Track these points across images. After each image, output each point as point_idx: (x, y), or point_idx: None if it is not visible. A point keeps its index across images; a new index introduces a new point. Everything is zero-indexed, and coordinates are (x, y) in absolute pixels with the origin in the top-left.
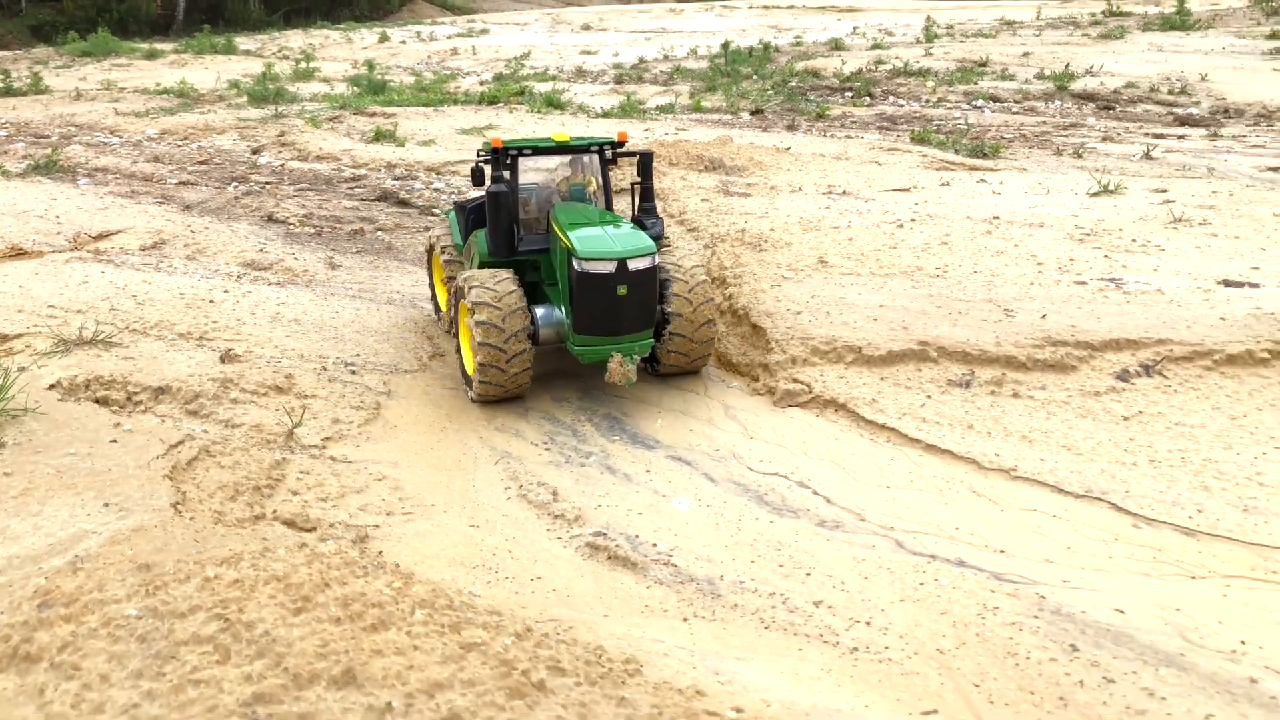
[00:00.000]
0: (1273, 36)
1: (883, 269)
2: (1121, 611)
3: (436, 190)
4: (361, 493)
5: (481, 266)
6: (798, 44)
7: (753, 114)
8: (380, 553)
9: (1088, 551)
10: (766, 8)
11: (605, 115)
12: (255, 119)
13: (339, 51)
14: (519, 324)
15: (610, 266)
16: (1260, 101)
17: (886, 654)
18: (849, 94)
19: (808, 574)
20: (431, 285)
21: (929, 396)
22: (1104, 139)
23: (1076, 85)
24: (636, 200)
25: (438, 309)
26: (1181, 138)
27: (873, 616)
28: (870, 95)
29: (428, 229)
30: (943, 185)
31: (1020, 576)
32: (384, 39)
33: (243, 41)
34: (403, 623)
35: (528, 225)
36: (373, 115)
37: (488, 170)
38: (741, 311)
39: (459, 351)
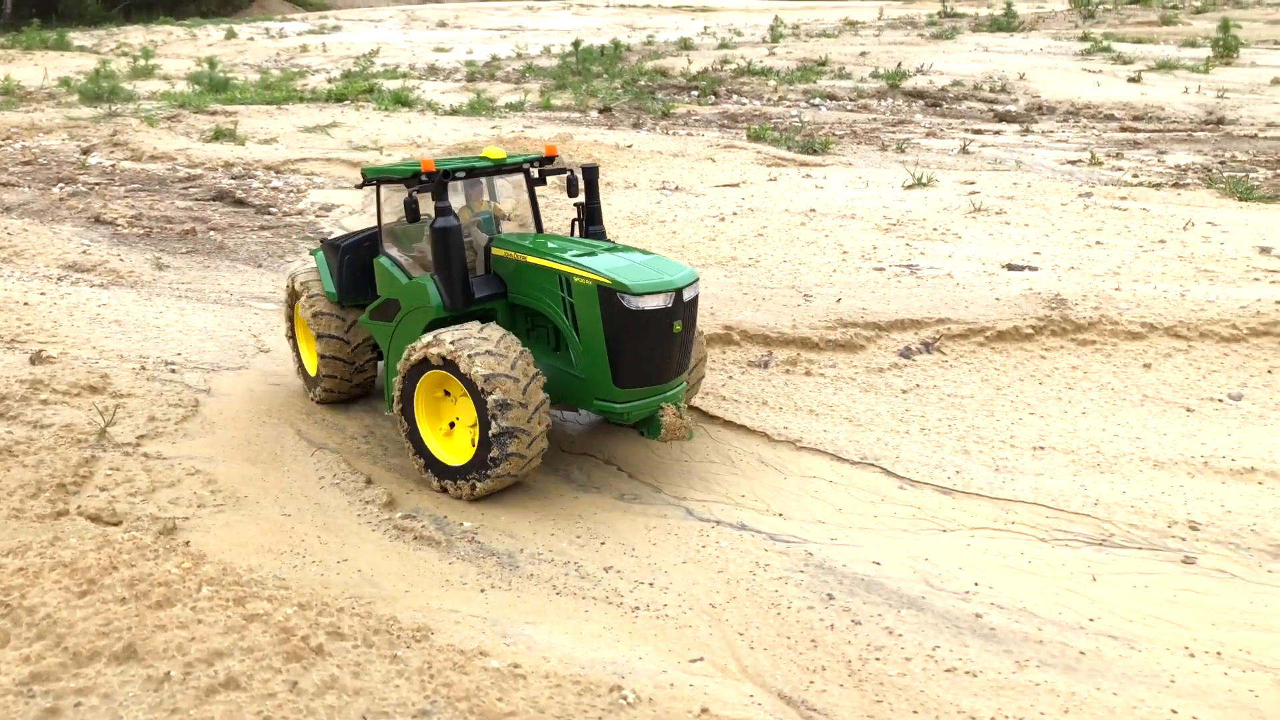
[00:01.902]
0: (1085, 39)
1: (700, 260)
2: (877, 563)
3: (274, 189)
4: (173, 487)
5: (433, 324)
6: (649, 43)
7: (601, 112)
8: (187, 542)
9: (856, 512)
10: (623, 6)
11: (454, 113)
12: (87, 118)
13: (182, 48)
14: (540, 395)
15: (666, 300)
16: (1070, 99)
17: (664, 611)
18: (695, 93)
19: (602, 543)
20: (294, 342)
21: (730, 376)
22: (928, 135)
23: (907, 84)
24: (580, 223)
25: (306, 375)
26: (997, 133)
27: (656, 578)
28: (715, 94)
29: (293, 275)
30: (770, 180)
31: (793, 536)
32: (231, 35)
33: (78, 37)
34: (188, 599)
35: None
36: (214, 114)
37: (424, 202)
38: None
39: (412, 438)
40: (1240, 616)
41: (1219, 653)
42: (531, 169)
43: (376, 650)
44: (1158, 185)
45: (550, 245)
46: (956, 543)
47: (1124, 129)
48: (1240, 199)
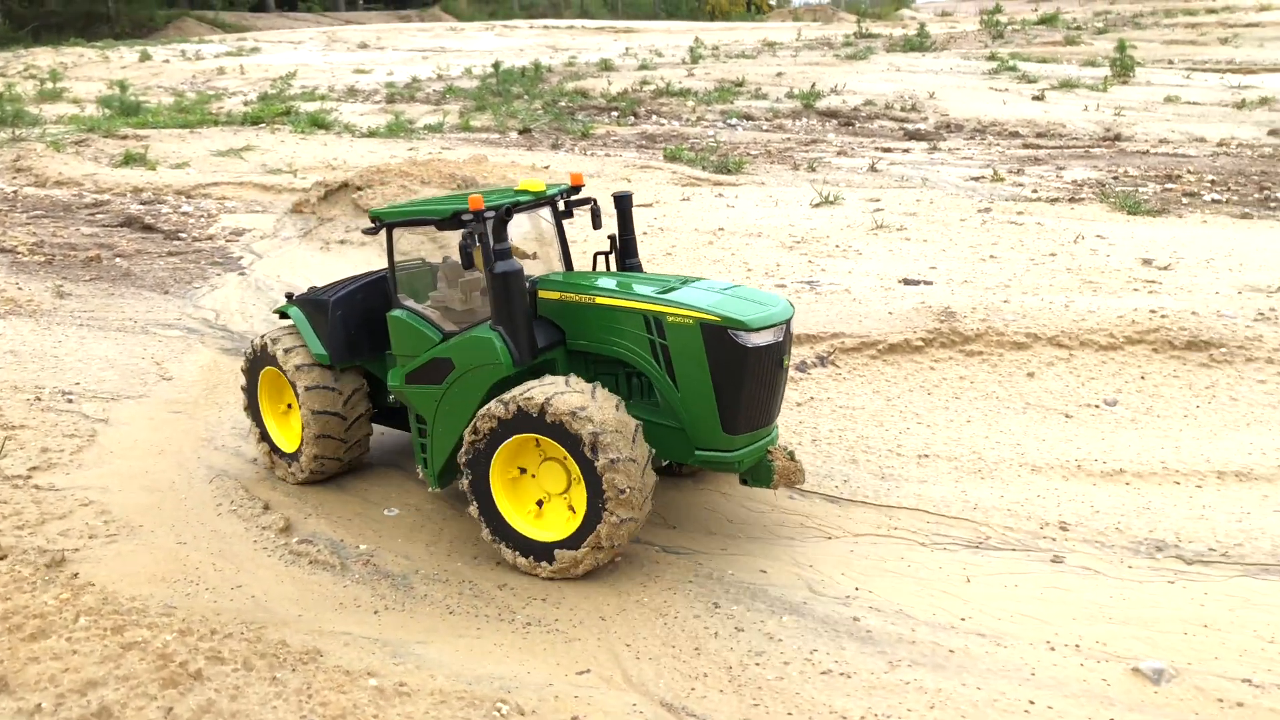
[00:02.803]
0: (992, 59)
1: None
2: (764, 571)
3: (184, 214)
4: (64, 518)
5: (503, 382)
6: (570, 65)
7: (521, 133)
8: (75, 574)
9: (747, 522)
10: (546, 28)
11: (371, 135)
12: None
13: (94, 71)
14: (646, 448)
15: (777, 334)
16: (977, 117)
17: (555, 625)
18: (615, 113)
19: (497, 562)
20: (256, 414)
21: None
22: (839, 154)
23: (822, 104)
24: (607, 257)
25: (277, 452)
26: (906, 151)
27: (549, 594)
28: (635, 114)
29: (265, 339)
30: (684, 200)
31: (684, 548)
32: (145, 58)
33: None
34: (64, 630)
35: (462, 317)
36: (124, 138)
37: (477, 246)
38: None
39: (488, 516)
40: (1099, 611)
41: (1077, 645)
42: (559, 201)
43: (257, 673)
44: (1054, 200)
45: (614, 283)
46: (841, 549)
47: (1027, 146)
48: (1129, 213)
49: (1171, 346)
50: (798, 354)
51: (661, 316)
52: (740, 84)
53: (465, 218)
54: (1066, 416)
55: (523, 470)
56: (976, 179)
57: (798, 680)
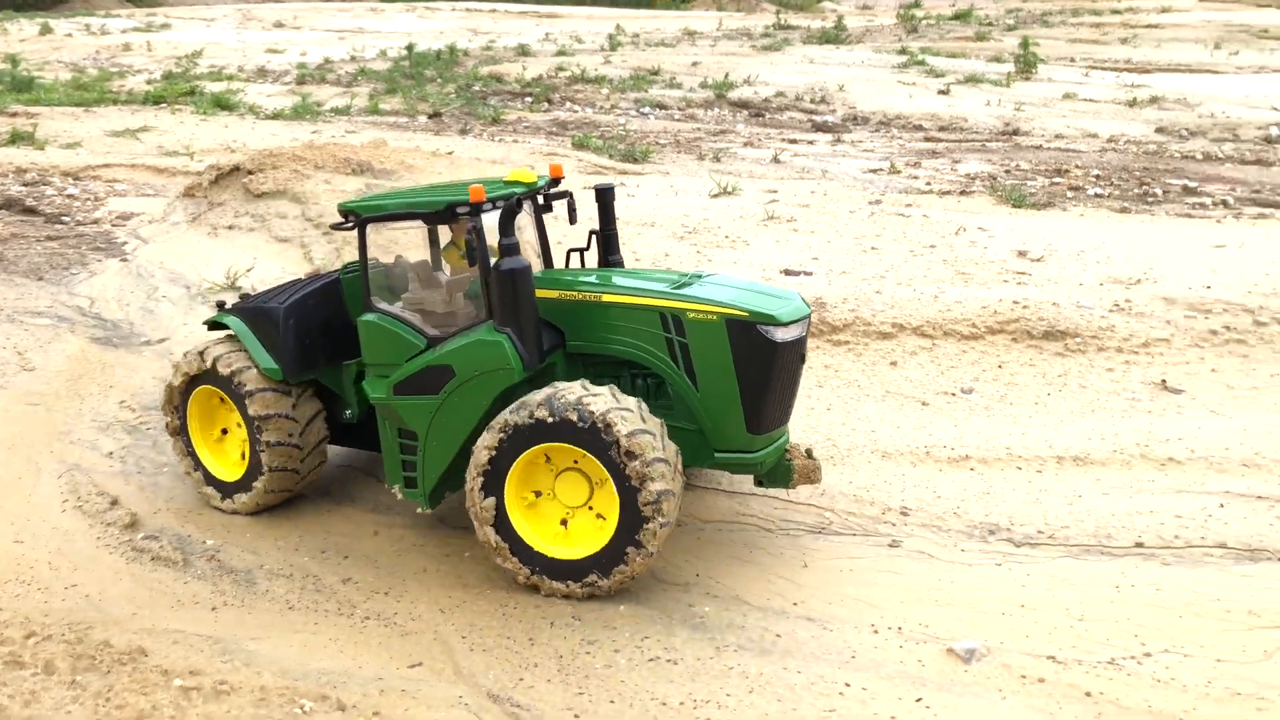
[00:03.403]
0: (902, 53)
1: None
2: None
3: (70, 197)
4: None
5: (515, 387)
6: (488, 49)
7: (431, 117)
8: None
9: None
10: (469, 10)
11: (275, 117)
12: None
13: None
14: (675, 449)
15: (802, 329)
16: (883, 110)
17: (394, 619)
18: (529, 99)
19: (345, 556)
20: (185, 441)
21: None
22: (746, 144)
23: (734, 94)
24: (598, 252)
25: (216, 482)
26: (811, 143)
27: (393, 587)
28: (549, 101)
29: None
30: (585, 189)
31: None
32: (46, 30)
33: None
34: None
35: (444, 320)
36: (14, 115)
37: (489, 237)
38: None
39: (509, 538)
40: (927, 594)
41: (900, 628)
42: (539, 194)
43: (58, 677)
44: (946, 193)
45: (621, 280)
46: (688, 537)
47: (928, 139)
48: (1014, 206)
49: (1030, 336)
50: None
51: (681, 313)
52: (656, 72)
53: (461, 210)
54: (923, 404)
55: (538, 494)
56: (875, 171)
57: (624, 668)
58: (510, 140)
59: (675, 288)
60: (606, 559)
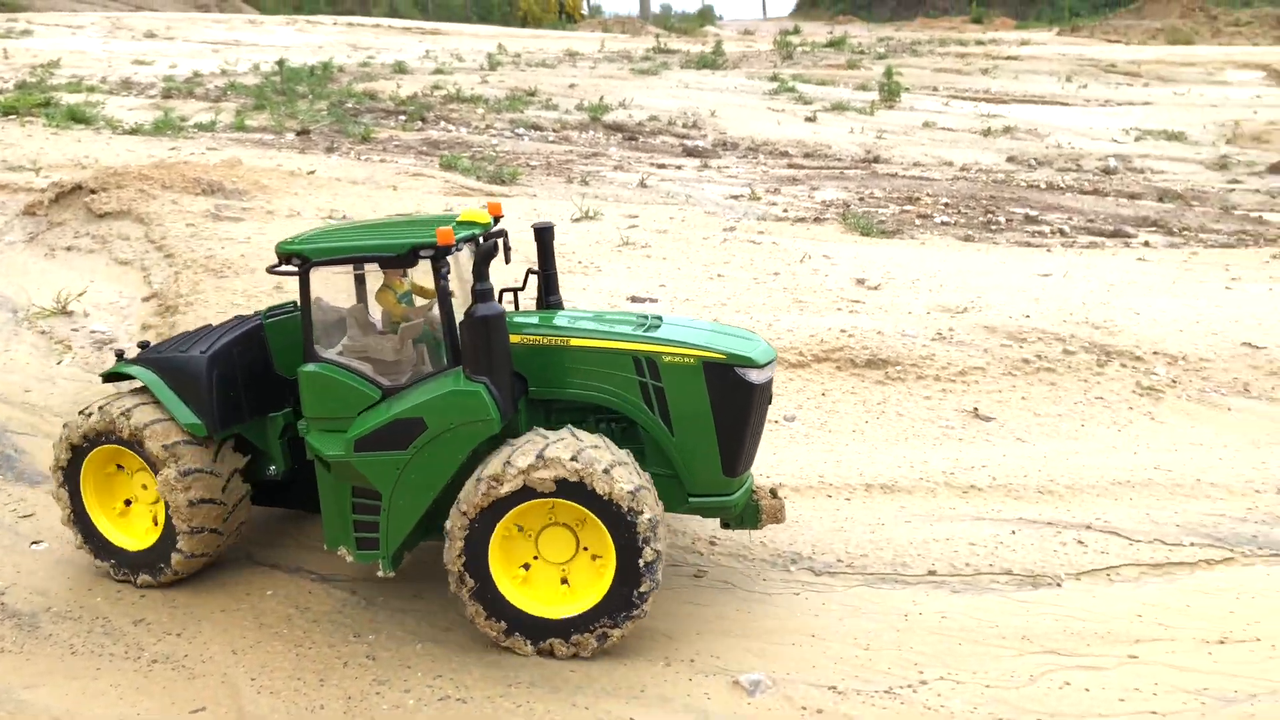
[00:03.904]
0: (774, 79)
1: None
2: (418, 597)
3: None
4: None
5: (504, 433)
6: (365, 65)
7: (299, 134)
8: None
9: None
10: (351, 25)
11: (134, 132)
12: None
13: None
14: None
15: (772, 371)
16: (751, 136)
17: (184, 662)
18: (402, 117)
19: (141, 595)
20: (80, 515)
21: None
22: (616, 168)
23: (609, 117)
24: (538, 292)
25: (124, 556)
26: (679, 168)
27: (187, 628)
28: (423, 119)
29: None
30: (446, 210)
31: (345, 576)
32: None
33: None
34: None
35: (394, 369)
36: None
37: (460, 278)
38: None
39: (489, 601)
40: (724, 625)
41: (693, 660)
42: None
43: None
44: (800, 220)
45: (585, 324)
46: None
47: (791, 165)
48: (862, 234)
49: (853, 364)
50: None
51: (656, 356)
52: (533, 93)
53: (424, 254)
54: None
55: (526, 566)
56: (736, 197)
57: (412, 709)
58: (377, 160)
59: (644, 330)
60: (609, 615)
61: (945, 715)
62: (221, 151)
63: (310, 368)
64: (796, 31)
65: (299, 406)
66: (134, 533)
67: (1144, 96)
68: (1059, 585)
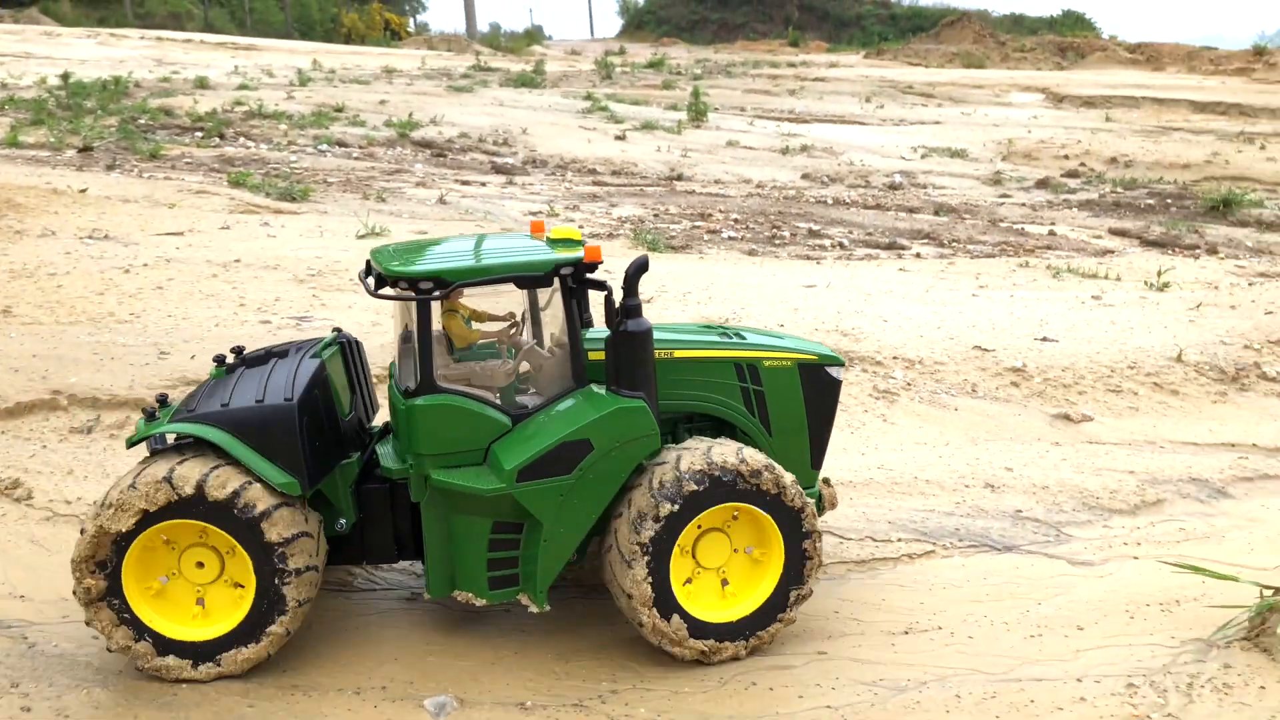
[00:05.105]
0: (588, 98)
1: (71, 316)
2: (96, 637)
3: None
4: None
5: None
6: (166, 80)
7: (81, 151)
8: None
9: None
10: (160, 39)
11: None
12: None
13: None
14: None
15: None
16: (560, 154)
17: None
18: (199, 134)
19: None
20: (125, 608)
21: (44, 446)
22: (418, 184)
23: (418, 134)
24: (605, 314)
25: (179, 649)
26: (483, 185)
27: None
28: (221, 136)
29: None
30: (223, 229)
31: (21, 621)
32: None
33: None
34: None
35: (509, 392)
36: None
37: (608, 293)
38: None
39: (665, 608)
40: (427, 648)
41: (385, 688)
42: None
43: None
44: (595, 235)
45: (677, 336)
46: None
47: (596, 183)
48: (650, 248)
49: None
50: None
51: (757, 362)
52: (340, 109)
53: (565, 272)
54: None
55: (688, 581)
56: (535, 213)
57: None
58: (162, 177)
59: (732, 338)
60: (769, 619)
61: None
62: None
63: (429, 400)
64: (622, 52)
65: (364, 450)
66: (181, 619)
67: (935, 116)
68: None
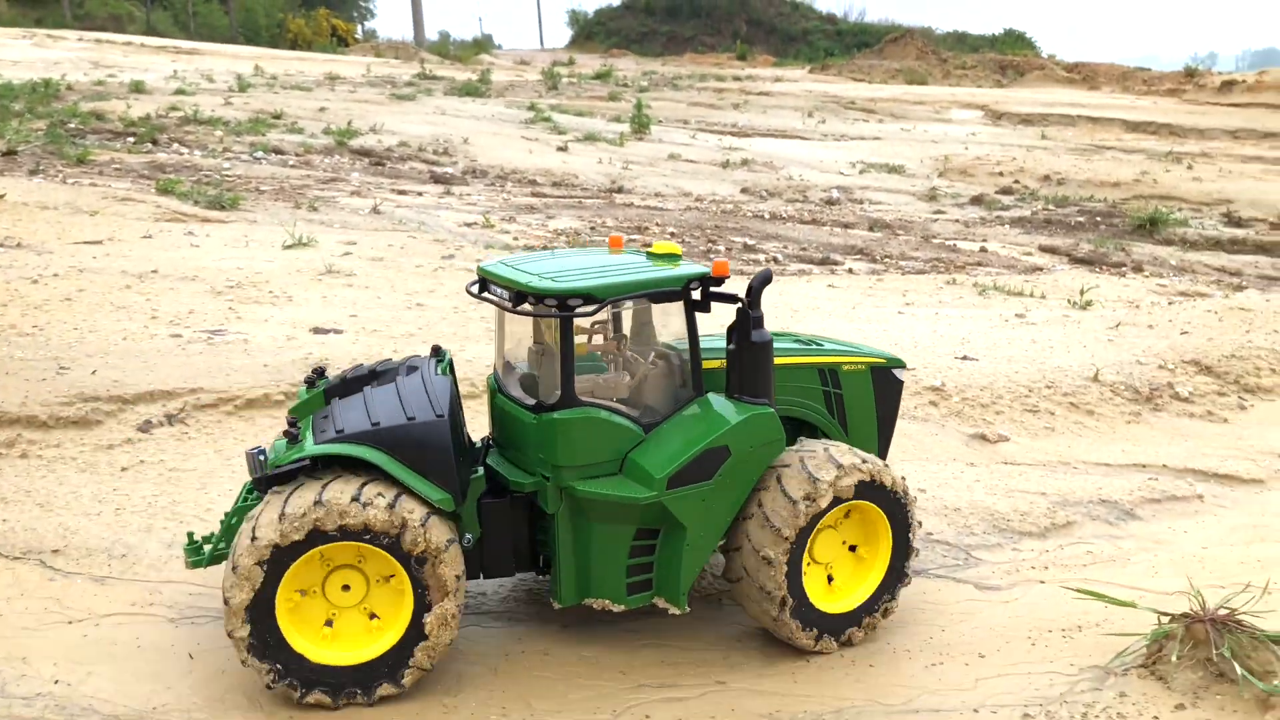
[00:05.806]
0: (531, 109)
1: None
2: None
3: None
4: None
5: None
6: (101, 84)
7: (3, 155)
8: None
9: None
10: (99, 42)
11: None
12: None
13: None
14: None
15: None
16: (501, 164)
17: None
18: (132, 139)
19: None
20: (279, 640)
21: None
22: (354, 193)
23: (357, 142)
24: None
25: (335, 679)
26: (420, 194)
27: None
28: (154, 142)
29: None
30: (145, 238)
31: None
32: None
33: None
34: None
35: (633, 403)
36: None
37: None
38: None
39: (801, 605)
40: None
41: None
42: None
43: None
44: (530, 248)
45: (789, 340)
46: (73, 635)
47: (535, 194)
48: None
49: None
50: (146, 412)
51: (836, 367)
52: (279, 116)
53: (694, 287)
54: None
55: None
56: (470, 224)
57: None
58: (87, 183)
59: (806, 344)
60: (872, 609)
61: None
62: None
63: (569, 414)
64: (571, 63)
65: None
66: (345, 647)
67: (875, 132)
68: (667, 614)
